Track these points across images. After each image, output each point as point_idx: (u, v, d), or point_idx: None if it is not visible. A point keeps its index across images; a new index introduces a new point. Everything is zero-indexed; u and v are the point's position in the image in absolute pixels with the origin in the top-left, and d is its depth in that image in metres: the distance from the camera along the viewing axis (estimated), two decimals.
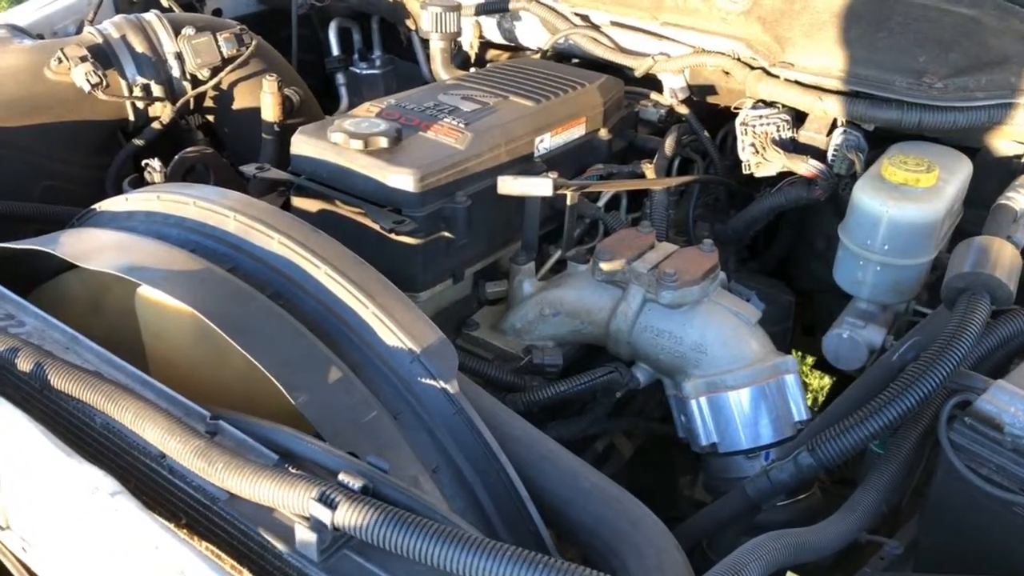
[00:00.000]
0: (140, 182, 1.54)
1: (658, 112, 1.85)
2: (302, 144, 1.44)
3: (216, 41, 1.78)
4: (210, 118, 1.92)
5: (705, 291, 1.37)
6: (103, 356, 1.10)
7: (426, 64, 2.40)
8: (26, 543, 1.01)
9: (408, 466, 1.01)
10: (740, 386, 1.33)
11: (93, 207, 1.40)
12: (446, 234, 1.40)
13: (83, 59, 1.64)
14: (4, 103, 1.62)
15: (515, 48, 2.16)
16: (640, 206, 1.76)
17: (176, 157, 1.58)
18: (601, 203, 1.67)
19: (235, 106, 1.88)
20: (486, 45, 2.20)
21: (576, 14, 1.94)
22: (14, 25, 1.91)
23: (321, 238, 1.18)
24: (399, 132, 1.41)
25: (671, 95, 1.83)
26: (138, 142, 1.76)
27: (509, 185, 1.40)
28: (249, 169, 1.46)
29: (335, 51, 2.44)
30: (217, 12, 2.49)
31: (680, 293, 1.34)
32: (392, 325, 1.10)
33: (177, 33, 1.78)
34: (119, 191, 1.74)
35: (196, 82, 1.80)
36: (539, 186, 1.39)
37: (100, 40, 1.73)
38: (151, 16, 1.80)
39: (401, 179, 1.35)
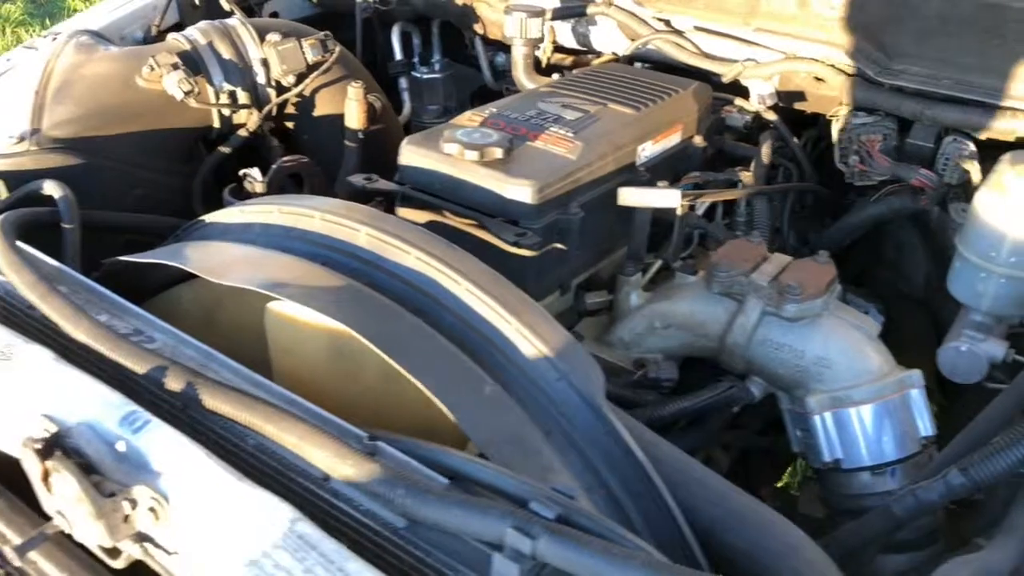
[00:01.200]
0: (239, 192, 1.52)
1: (743, 118, 1.83)
2: (412, 155, 1.42)
3: (301, 47, 1.76)
4: (288, 125, 1.90)
5: (827, 304, 1.35)
6: (241, 373, 1.08)
7: (488, 69, 2.38)
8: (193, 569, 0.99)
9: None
10: (865, 401, 1.31)
11: (201, 218, 1.38)
12: (559, 246, 1.38)
13: (175, 67, 1.62)
14: (97, 111, 1.60)
15: (587, 53, 2.14)
16: (730, 214, 1.74)
17: (274, 167, 1.55)
18: (700, 212, 1.65)
19: (316, 113, 1.86)
20: (556, 50, 2.18)
21: (657, 19, 1.92)
22: (93, 31, 1.89)
23: (458, 253, 1.16)
24: (511, 143, 1.39)
25: (758, 101, 1.81)
26: (224, 150, 1.74)
27: (633, 196, 1.38)
28: (357, 179, 1.44)
29: (398, 55, 2.42)
30: (274, 15, 2.47)
31: (804, 306, 1.32)
32: (537, 342, 1.08)
33: (262, 39, 1.76)
34: (207, 200, 1.72)
35: (280, 89, 1.78)
36: (666, 197, 1.37)
37: (187, 47, 1.71)
38: (235, 22, 1.78)
39: (520, 191, 1.32)
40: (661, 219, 1.53)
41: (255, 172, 1.51)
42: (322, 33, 1.80)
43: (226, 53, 1.72)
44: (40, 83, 1.62)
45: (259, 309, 1.24)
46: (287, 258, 1.18)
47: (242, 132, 1.74)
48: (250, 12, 2.33)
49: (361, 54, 2.33)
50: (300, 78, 1.78)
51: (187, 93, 1.61)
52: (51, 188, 1.42)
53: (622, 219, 1.50)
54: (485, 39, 2.28)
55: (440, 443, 1.01)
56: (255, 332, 1.28)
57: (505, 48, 2.36)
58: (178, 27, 2.22)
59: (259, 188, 1.50)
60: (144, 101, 1.64)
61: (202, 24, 1.76)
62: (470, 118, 1.52)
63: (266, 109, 1.75)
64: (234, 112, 1.73)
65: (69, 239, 1.39)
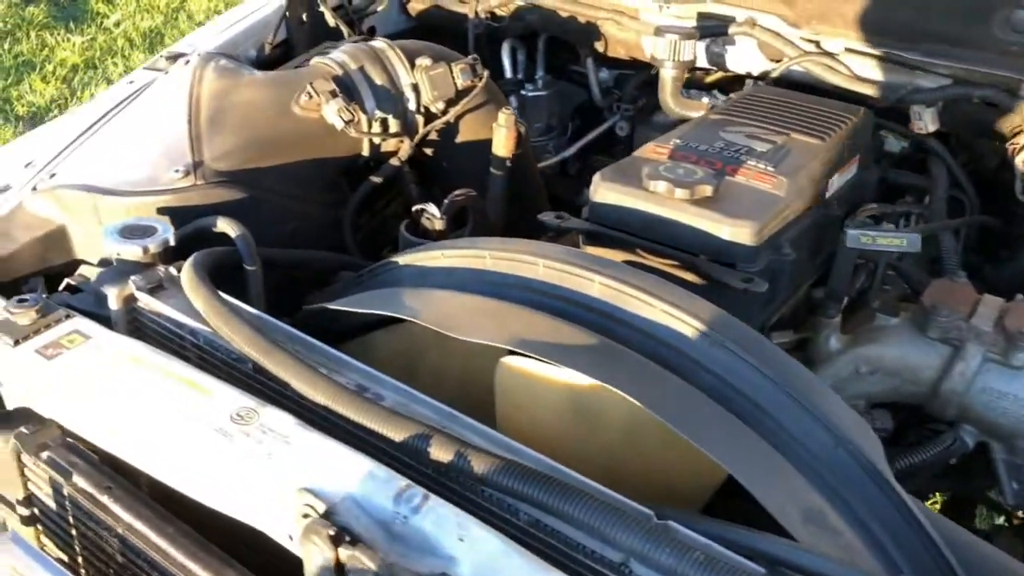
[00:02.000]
0: (416, 228, 1.45)
1: (900, 143, 1.77)
2: (610, 192, 1.35)
3: (451, 72, 1.68)
4: (423, 151, 1.83)
5: None
6: (492, 438, 1.01)
7: (597, 87, 2.32)
8: None
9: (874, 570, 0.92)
10: None
11: (394, 260, 1.31)
12: (767, 288, 1.32)
13: (333, 94, 1.54)
14: (254, 142, 1.52)
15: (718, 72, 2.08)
16: None
17: (447, 201, 1.48)
18: None
19: (458, 139, 1.78)
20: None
21: (806, 40, 1.86)
22: (225, 53, 1.81)
23: (705, 306, 1.09)
24: (718, 180, 1.33)
25: (920, 126, 1.74)
26: (375, 180, 1.67)
27: (868, 239, 1.31)
28: (548, 218, 1.37)
29: (508, 72, 2.35)
30: (371, 31, 2.40)
31: None
32: (808, 405, 1.01)
33: (410, 63, 1.68)
34: (360, 233, 1.65)
35: (429, 115, 1.70)
36: (906, 242, 1.30)
37: (339, 72, 1.63)
38: (383, 45, 1.70)
39: (739, 232, 1.26)
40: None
41: (432, 208, 1.44)
42: (470, 57, 1.73)
43: (378, 78, 1.64)
44: (190, 111, 1.55)
45: (464, 358, 1.18)
46: (520, 310, 1.11)
47: (393, 161, 1.67)
48: (350, 26, 2.26)
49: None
50: (448, 104, 1.71)
51: (347, 122, 1.54)
52: (226, 226, 1.35)
53: (811, 256, 1.44)
54: (599, 57, 2.22)
55: (679, 507, 0.94)
56: (458, 380, 1.21)
57: (615, 64, 2.31)
58: (286, 44, 2.15)
59: (439, 225, 1.42)
60: (300, 130, 1.56)
61: (349, 47, 1.69)
62: (655, 150, 1.45)
63: (417, 136, 1.68)
64: (383, 140, 1.66)
65: (252, 281, 1.32)
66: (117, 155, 1.52)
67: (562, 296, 1.12)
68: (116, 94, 1.83)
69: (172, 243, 1.30)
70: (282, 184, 1.53)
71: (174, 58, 1.91)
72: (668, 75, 1.81)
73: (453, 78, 1.68)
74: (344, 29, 2.22)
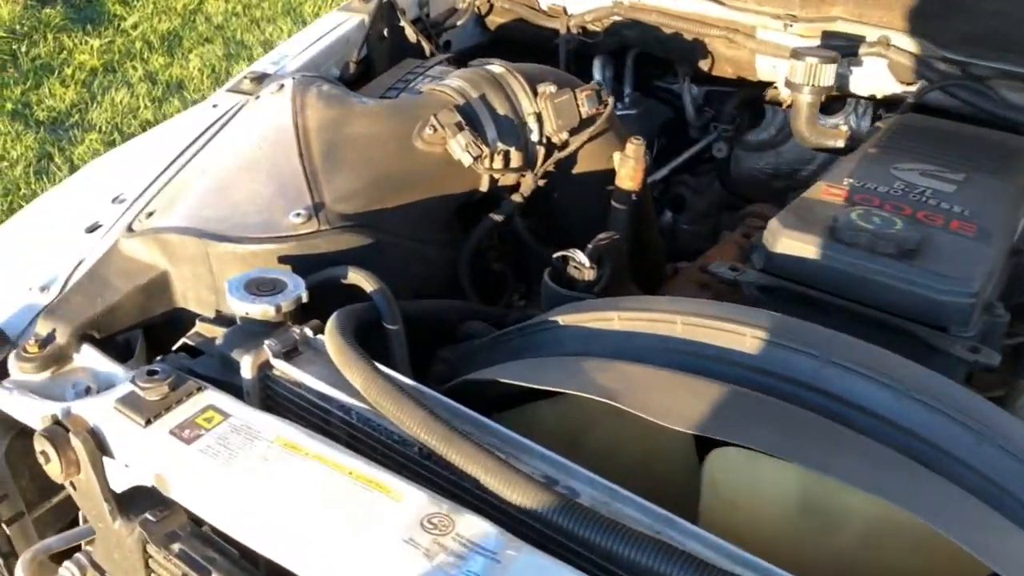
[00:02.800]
0: (561, 277, 1.30)
1: None
2: (793, 242, 1.21)
3: (576, 99, 1.54)
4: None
5: None
6: (717, 547, 0.86)
7: (692, 105, 2.19)
8: None
9: None
10: None
11: (552, 319, 1.16)
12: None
13: (459, 127, 1.40)
14: (376, 180, 1.37)
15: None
16: None
17: (590, 246, 1.33)
18: None
19: (575, 171, 1.64)
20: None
21: (948, 61, 1.72)
22: (323, 76, 1.67)
23: (958, 391, 0.95)
24: (920, 230, 1.19)
25: None
26: (496, 218, 1.52)
27: None
28: (722, 269, 1.23)
29: None
30: (447, 45, 2.26)
31: None
32: None
33: (532, 90, 1.54)
34: (475, 274, 1.51)
35: (549, 146, 1.55)
36: None
37: (459, 100, 1.48)
38: (501, 69, 1.55)
39: (956, 291, 1.12)
40: None
41: (579, 255, 1.29)
42: (594, 83, 1.58)
43: (500, 108, 1.50)
44: (299, 145, 1.40)
45: (642, 438, 1.04)
46: (731, 390, 0.97)
47: (515, 197, 1.52)
48: (429, 41, 2.12)
49: None
50: (571, 133, 1.56)
51: (476, 158, 1.39)
52: (360, 278, 1.20)
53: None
54: (702, 75, 2.08)
55: None
56: (634, 461, 1.07)
57: (704, 81, 2.17)
58: (366, 61, 2.01)
59: (589, 275, 1.28)
60: (422, 166, 1.42)
61: (467, 73, 1.54)
62: (829, 191, 1.31)
63: (541, 169, 1.53)
64: (503, 175, 1.51)
65: (395, 343, 1.17)
66: (221, 193, 1.37)
67: (781, 374, 0.98)
68: (200, 119, 1.69)
69: (305, 300, 1.16)
70: (404, 226, 1.39)
71: (259, 79, 1.77)
72: (804, 101, 1.67)
73: (578, 105, 1.54)
74: (425, 45, 2.08)
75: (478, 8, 2.25)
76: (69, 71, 5.41)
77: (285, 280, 1.17)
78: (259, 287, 1.16)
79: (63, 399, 1.17)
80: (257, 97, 1.63)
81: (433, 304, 1.32)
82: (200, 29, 6.12)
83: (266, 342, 1.09)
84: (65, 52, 5.66)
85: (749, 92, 2.10)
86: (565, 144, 1.55)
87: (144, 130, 4.95)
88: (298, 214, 1.28)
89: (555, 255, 1.30)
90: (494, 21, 2.29)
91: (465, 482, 0.92)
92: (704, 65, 2.01)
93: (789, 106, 2.06)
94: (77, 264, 1.38)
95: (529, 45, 2.23)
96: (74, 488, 1.09)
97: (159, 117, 5.05)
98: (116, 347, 1.32)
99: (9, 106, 5.03)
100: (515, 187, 1.54)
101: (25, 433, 1.31)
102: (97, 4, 6.29)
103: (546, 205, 1.65)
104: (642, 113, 2.28)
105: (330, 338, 1.07)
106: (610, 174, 1.59)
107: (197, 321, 1.25)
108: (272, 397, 1.11)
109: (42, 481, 1.35)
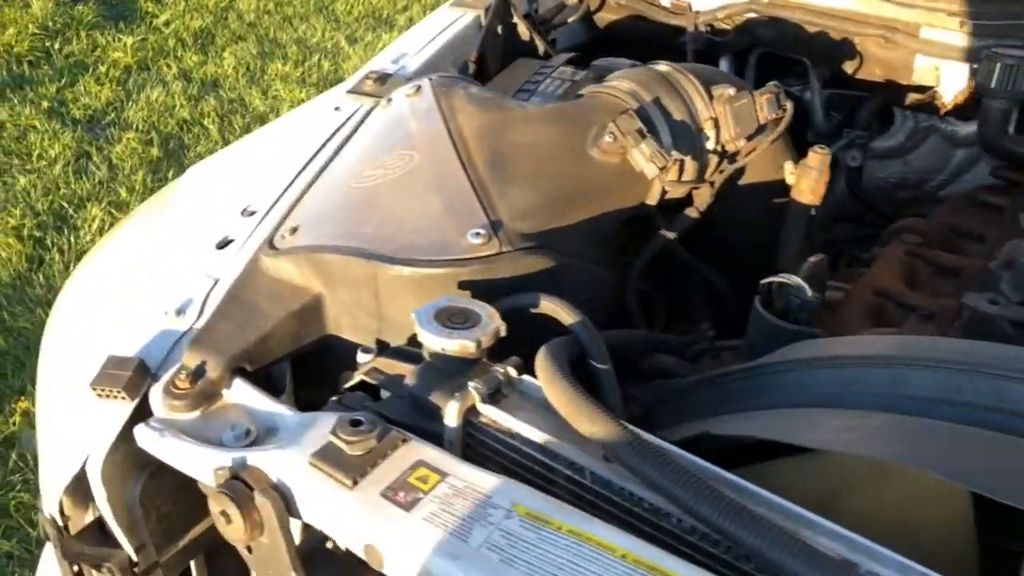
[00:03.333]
0: (770, 305, 1.14)
1: None
2: None
3: (755, 103, 1.39)
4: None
5: None
6: None
7: (822, 110, 2.04)
8: None
9: None
10: None
11: (779, 359, 1.01)
12: None
13: (642, 134, 1.25)
14: (554, 195, 1.22)
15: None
16: None
17: (805, 268, 1.18)
18: None
19: (742, 182, 1.49)
20: None
21: None
22: (463, 76, 1.52)
23: None
24: None
25: None
26: (669, 235, 1.37)
27: None
28: (980, 302, 1.08)
29: None
30: (552, 43, 2.11)
31: None
32: None
33: (708, 93, 1.39)
34: (643, 297, 1.35)
35: (724, 154, 1.41)
36: None
37: (633, 104, 1.33)
38: (669, 69, 1.40)
39: None
40: None
41: (794, 280, 1.14)
42: (772, 84, 1.43)
43: (676, 112, 1.35)
44: (459, 154, 1.25)
45: (912, 507, 0.89)
46: None
47: (690, 212, 1.37)
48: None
49: None
50: (747, 140, 1.41)
51: (661, 169, 1.25)
52: (556, 308, 1.05)
53: None
54: (840, 78, 1.93)
55: None
56: (893, 528, 0.92)
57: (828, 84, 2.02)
58: (480, 59, 1.86)
59: (810, 303, 1.12)
60: (598, 178, 1.27)
61: (636, 74, 1.39)
62: None
63: (719, 181, 1.38)
64: (676, 186, 1.36)
65: (607, 385, 1.02)
66: (377, 208, 1.22)
67: None
68: (322, 122, 1.54)
69: (503, 334, 1.01)
70: (579, 245, 1.24)
71: (382, 79, 1.62)
72: (996, 106, 1.52)
73: (756, 110, 1.39)
74: (539, 43, 1.93)
75: (588, 5, 2.11)
76: (103, 69, 5.28)
77: (476, 310, 1.02)
78: (450, 318, 1.01)
79: (220, 442, 1.03)
80: (388, 100, 1.48)
81: (614, 335, 1.17)
82: (232, 27, 5.99)
83: (471, 384, 0.95)
84: (99, 50, 5.53)
85: (886, 96, 1.95)
86: (739, 152, 1.40)
87: (181, 129, 4.82)
88: (477, 234, 1.13)
89: (765, 280, 1.15)
90: (604, 18, 2.14)
91: (745, 565, 0.78)
92: (849, 67, 1.87)
93: (935, 111, 1.92)
94: (212, 284, 1.24)
95: (642, 43, 2.09)
96: (250, 551, 0.94)
97: (195, 115, 4.92)
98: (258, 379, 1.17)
99: (45, 104, 4.90)
100: (684, 199, 1.39)
101: (155, 474, 1.17)
102: (129, 1, 6.15)
103: (707, 224, 1.50)
104: None
105: (551, 382, 0.92)
106: (780, 185, 1.44)
107: (360, 353, 1.10)
108: (475, 447, 0.96)
109: (168, 523, 1.21)
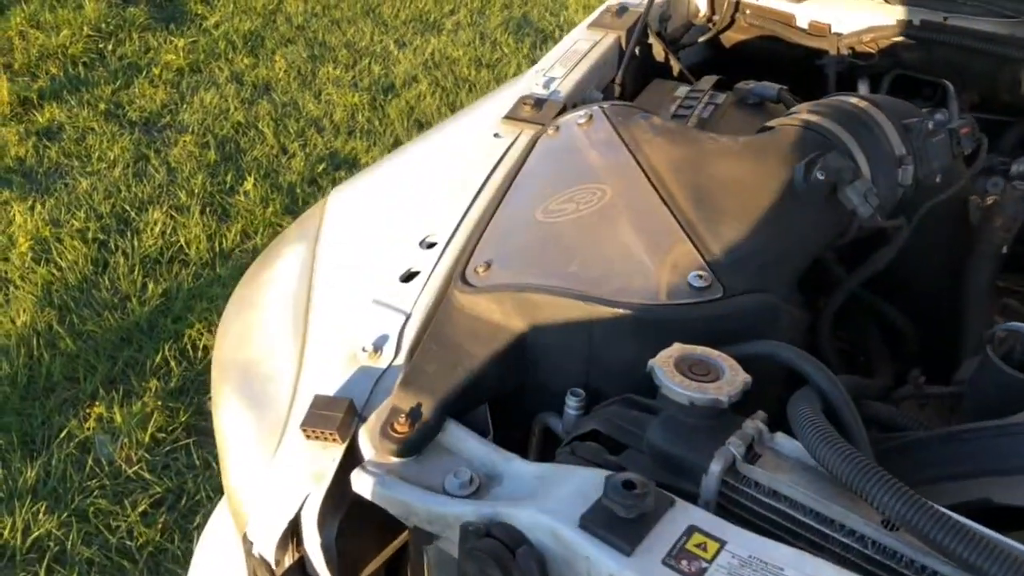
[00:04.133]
0: (1009, 357, 1.09)
1: None
2: None
3: (951, 138, 1.34)
4: None
5: None
6: None
7: None
8: None
9: None
10: None
11: None
12: None
13: (854, 172, 1.20)
14: (764, 232, 1.18)
15: None
16: None
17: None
18: None
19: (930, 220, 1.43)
20: None
21: None
22: (630, 104, 1.47)
23: None
24: None
25: None
26: (866, 273, 1.32)
27: None
28: None
29: None
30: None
31: None
32: None
33: (905, 129, 1.34)
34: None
35: (921, 191, 1.35)
36: None
37: (833, 140, 1.28)
38: (863, 103, 1.35)
39: None
40: None
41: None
42: (969, 117, 1.38)
43: (874, 149, 1.30)
44: (655, 187, 1.21)
45: None
46: None
47: (886, 252, 1.32)
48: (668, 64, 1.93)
49: None
50: (943, 175, 1.36)
51: (876, 208, 1.20)
52: (797, 360, 1.01)
53: None
54: (989, 104, 1.88)
55: None
56: None
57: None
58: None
59: None
60: (804, 215, 1.22)
61: (828, 109, 1.34)
62: None
63: (916, 218, 1.33)
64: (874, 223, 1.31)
65: (862, 443, 0.97)
66: (579, 245, 1.17)
67: None
68: (482, 150, 1.49)
69: (749, 386, 0.96)
70: (786, 286, 1.19)
71: (539, 104, 1.58)
72: None
73: (953, 145, 1.34)
74: (674, 64, 1.89)
75: (714, 23, 2.06)
76: (156, 71, 5.27)
77: (715, 361, 0.98)
78: (691, 368, 0.96)
79: (443, 489, 0.99)
80: (556, 128, 1.44)
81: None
82: (281, 29, 5.97)
83: (729, 441, 0.90)
84: (151, 52, 5.52)
85: None
86: (936, 187, 1.35)
87: (236, 132, 4.79)
88: (699, 276, 1.08)
89: (995, 328, 1.10)
90: (731, 38, 2.09)
91: None
92: (1003, 94, 1.81)
93: None
94: (405, 320, 1.20)
95: (769, 64, 2.04)
96: None
97: (250, 118, 4.90)
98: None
99: (102, 106, 4.88)
100: (875, 236, 1.34)
101: (349, 514, 1.13)
102: (179, 3, 6.15)
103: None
104: None
105: (822, 442, 0.87)
106: (964, 222, 1.39)
107: (569, 397, 1.06)
108: (729, 508, 0.92)
109: (348, 561, 1.17)
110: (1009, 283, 1.82)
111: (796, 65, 1.97)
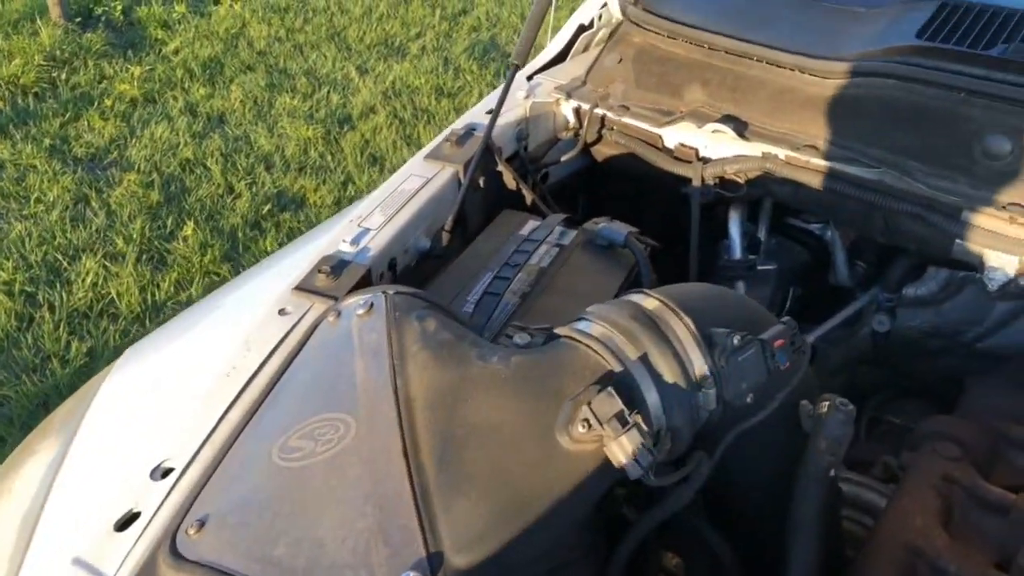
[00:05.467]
0: None
1: None
2: None
3: (764, 352, 1.16)
4: None
5: None
6: None
7: (845, 266, 1.80)
8: None
9: None
10: None
11: None
12: None
13: (622, 421, 1.01)
14: (509, 501, 0.98)
15: None
16: None
17: None
18: None
19: (757, 441, 1.25)
20: None
21: None
22: (417, 292, 1.30)
23: None
24: None
25: None
26: (658, 515, 1.14)
27: None
28: None
29: (738, 252, 1.83)
30: (545, 176, 1.89)
31: None
32: None
33: (708, 341, 1.15)
34: None
35: (729, 415, 1.17)
36: None
37: (616, 366, 1.10)
38: (662, 309, 1.17)
39: None
40: None
41: None
42: (786, 320, 1.20)
43: (667, 371, 1.11)
44: (403, 432, 1.03)
45: None
46: None
47: (683, 493, 1.13)
48: (524, 180, 1.76)
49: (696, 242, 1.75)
50: (759, 396, 1.18)
51: (646, 470, 1.02)
52: None
53: None
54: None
55: None
56: None
57: None
58: (458, 221, 1.64)
59: None
60: (566, 472, 1.03)
61: (621, 317, 1.14)
62: None
63: (718, 451, 1.15)
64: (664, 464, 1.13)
65: None
66: (295, 511, 1.00)
67: None
68: (263, 330, 1.32)
69: None
70: (536, 556, 1.02)
71: (337, 270, 1.40)
72: None
73: (766, 360, 1.16)
74: (527, 194, 1.71)
75: (585, 140, 1.88)
76: (109, 102, 5.14)
77: None
78: None
79: None
80: (337, 315, 1.27)
81: None
82: (242, 55, 5.83)
83: None
84: (105, 81, 5.39)
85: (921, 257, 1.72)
86: (748, 410, 1.17)
87: (183, 170, 4.64)
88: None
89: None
90: (602, 152, 1.91)
91: None
92: (879, 237, 1.62)
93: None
94: None
95: (644, 180, 1.86)
96: None
97: (199, 154, 4.77)
98: None
99: (47, 141, 4.76)
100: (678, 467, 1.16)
101: None
102: (139, 27, 6.01)
103: (717, 490, 1.28)
104: (779, 262, 1.91)
105: None
106: (795, 437, 1.21)
107: None
108: None
109: None
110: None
111: (666, 187, 1.79)
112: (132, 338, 3.70)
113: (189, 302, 3.87)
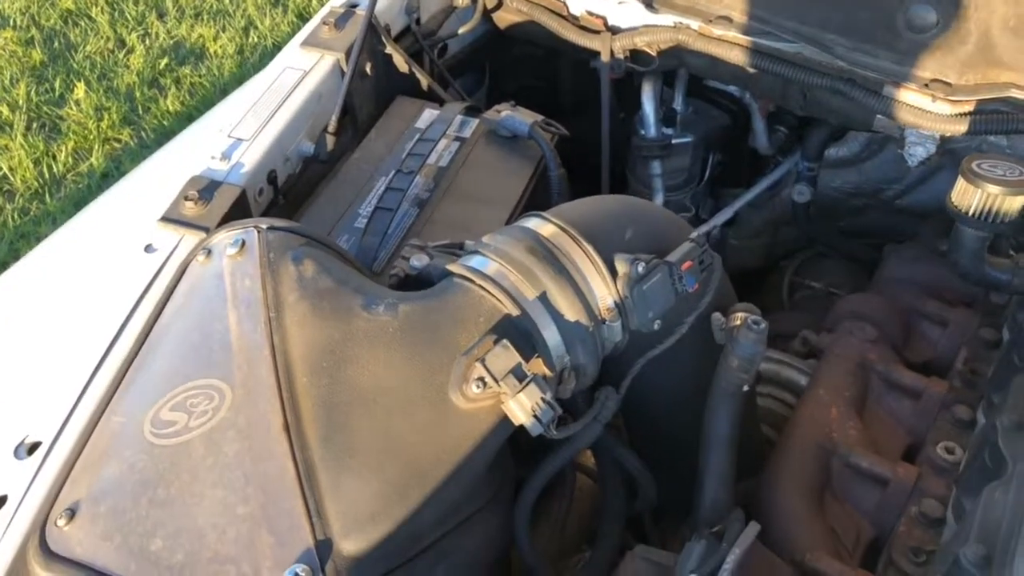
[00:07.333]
0: None
1: None
2: None
3: (673, 276, 1.07)
4: None
5: None
6: None
7: (764, 134, 1.71)
8: None
9: None
10: None
11: None
12: None
13: (519, 377, 0.94)
14: (402, 474, 0.92)
15: None
16: None
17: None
18: None
19: (669, 364, 1.17)
20: None
21: None
22: (299, 228, 1.17)
23: None
24: None
25: None
26: (564, 456, 1.08)
27: None
28: None
29: (653, 129, 1.70)
30: (443, 49, 1.73)
31: None
32: None
33: (611, 269, 1.06)
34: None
35: (637, 343, 1.10)
36: None
37: (513, 310, 1.00)
38: (559, 234, 1.06)
39: None
40: None
41: None
42: (695, 241, 1.10)
43: (567, 308, 1.03)
44: (283, 403, 0.95)
45: None
46: None
47: (587, 434, 1.07)
48: (419, 58, 1.60)
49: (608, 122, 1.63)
50: (666, 322, 1.10)
51: (547, 425, 0.95)
52: None
53: None
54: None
55: None
56: None
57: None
58: (344, 114, 1.49)
59: None
60: (462, 434, 0.96)
61: (515, 251, 1.03)
62: None
63: (624, 386, 1.09)
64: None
65: None
66: (170, 497, 0.92)
67: None
68: (127, 270, 1.20)
69: None
70: (434, 522, 0.96)
71: (206, 194, 1.26)
72: (973, 234, 1.21)
73: (674, 283, 1.08)
74: (422, 79, 1.56)
75: (484, 5, 1.70)
76: None
77: None
78: None
79: None
80: (207, 254, 1.14)
81: None
82: None
83: None
84: None
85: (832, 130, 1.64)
86: (656, 336, 1.10)
87: (66, 23, 4.25)
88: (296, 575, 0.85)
89: None
90: (504, 18, 1.74)
91: None
92: (797, 109, 1.52)
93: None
94: None
95: (542, 54, 1.71)
96: None
97: (81, 4, 4.37)
98: None
99: None
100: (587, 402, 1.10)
101: None
102: None
103: (630, 418, 1.22)
104: (697, 130, 1.80)
105: None
106: (711, 350, 1.15)
107: None
108: None
109: None
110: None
111: (569, 55, 1.64)
112: (31, 218, 3.50)
113: (91, 174, 3.64)
